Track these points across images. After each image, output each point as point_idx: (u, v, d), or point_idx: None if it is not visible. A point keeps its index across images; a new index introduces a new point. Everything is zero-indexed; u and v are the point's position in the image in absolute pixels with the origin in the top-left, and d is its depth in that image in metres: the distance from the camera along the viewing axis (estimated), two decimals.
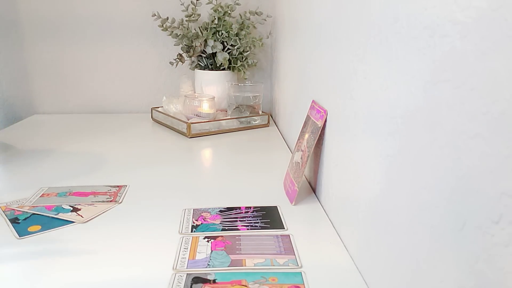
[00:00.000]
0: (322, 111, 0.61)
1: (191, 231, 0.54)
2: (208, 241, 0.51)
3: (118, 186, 0.69)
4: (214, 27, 1.13)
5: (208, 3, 1.13)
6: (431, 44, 0.32)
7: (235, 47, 1.12)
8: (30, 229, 0.54)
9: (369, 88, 0.44)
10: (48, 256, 0.48)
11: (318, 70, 0.68)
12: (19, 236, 0.52)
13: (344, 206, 0.53)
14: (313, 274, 0.45)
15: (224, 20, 1.12)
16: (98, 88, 1.28)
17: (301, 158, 0.63)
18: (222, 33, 1.12)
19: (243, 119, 1.10)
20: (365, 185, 0.46)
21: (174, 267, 0.46)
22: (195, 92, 1.17)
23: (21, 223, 0.56)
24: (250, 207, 0.61)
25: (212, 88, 1.14)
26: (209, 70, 1.16)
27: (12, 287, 0.43)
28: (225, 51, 1.12)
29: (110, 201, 0.63)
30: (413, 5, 0.35)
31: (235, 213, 0.59)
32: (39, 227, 0.55)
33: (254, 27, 1.17)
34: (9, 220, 0.56)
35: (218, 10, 1.12)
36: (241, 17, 1.14)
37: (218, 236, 0.53)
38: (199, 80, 1.17)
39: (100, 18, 1.23)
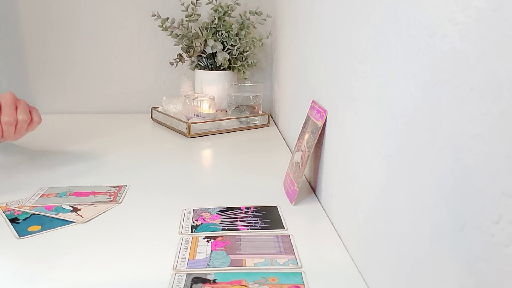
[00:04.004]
0: (322, 111, 0.61)
1: (191, 231, 0.54)
2: (208, 241, 0.51)
3: (118, 186, 0.69)
4: (214, 27, 1.13)
5: (208, 3, 1.13)
6: (431, 44, 0.32)
7: (235, 47, 1.12)
8: (30, 229, 0.54)
9: (369, 88, 0.44)
10: (48, 256, 0.48)
11: (318, 70, 0.68)
12: (19, 236, 0.52)
13: (344, 206, 0.53)
14: (313, 274, 0.45)
15: (224, 20, 1.12)
16: (98, 88, 1.28)
17: (301, 158, 0.63)
18: (222, 33, 1.12)
19: (243, 119, 1.10)
20: (365, 185, 0.46)
21: (174, 267, 0.46)
22: (195, 92, 1.17)
23: (21, 223, 0.56)
24: (250, 207, 0.61)
25: (212, 88, 1.14)
26: (209, 70, 1.16)
27: (12, 287, 0.43)
28: (225, 51, 1.12)
29: (110, 201, 0.63)
30: (413, 5, 0.35)
31: (235, 213, 0.59)
32: (39, 227, 0.55)
33: (254, 27, 1.17)
34: (9, 220, 0.56)
35: (218, 10, 1.12)
36: (241, 17, 1.14)
37: (218, 236, 0.53)
38: (199, 80, 1.17)
39: (100, 18, 1.23)
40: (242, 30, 1.13)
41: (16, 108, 0.70)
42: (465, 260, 0.27)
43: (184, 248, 0.50)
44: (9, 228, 0.54)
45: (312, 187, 0.70)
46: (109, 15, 1.23)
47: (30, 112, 0.72)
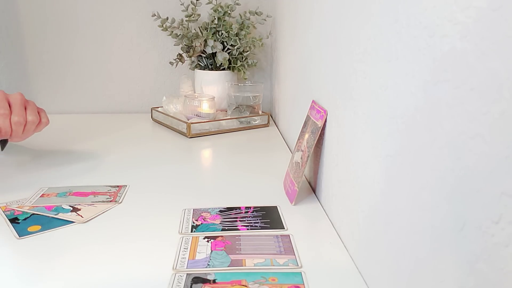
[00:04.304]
0: (322, 111, 0.61)
1: (191, 231, 0.54)
2: (208, 241, 0.51)
3: (118, 186, 0.69)
4: (214, 27, 1.13)
5: (208, 3, 1.13)
6: (431, 44, 0.32)
7: (235, 47, 1.12)
8: (30, 229, 0.54)
9: (369, 88, 0.44)
10: (48, 256, 0.48)
11: (318, 70, 0.68)
12: (19, 236, 0.52)
13: (344, 206, 0.53)
14: (313, 274, 0.45)
15: (224, 20, 1.12)
16: (98, 88, 1.28)
17: (301, 158, 0.63)
18: (222, 33, 1.12)
19: (243, 119, 1.10)
20: (365, 185, 0.46)
21: (174, 267, 0.46)
22: (195, 92, 1.17)
23: (21, 223, 0.56)
24: (250, 207, 0.61)
25: (212, 88, 1.14)
26: (209, 70, 1.16)
27: (12, 287, 0.43)
28: (225, 51, 1.12)
29: (110, 201, 0.63)
30: (413, 5, 0.35)
31: (235, 213, 0.59)
32: (39, 227, 0.55)
33: (254, 27, 1.17)
34: (9, 220, 0.56)
35: (218, 10, 1.12)
36: (241, 17, 1.14)
37: (218, 236, 0.53)
38: (199, 80, 1.17)
39: (100, 18, 1.23)
40: (242, 30, 1.13)
41: (26, 108, 0.70)
42: (465, 260, 0.27)
43: (184, 248, 0.50)
44: (9, 228, 0.54)
45: (312, 187, 0.70)
46: (109, 15, 1.23)
47: (38, 113, 0.72)
